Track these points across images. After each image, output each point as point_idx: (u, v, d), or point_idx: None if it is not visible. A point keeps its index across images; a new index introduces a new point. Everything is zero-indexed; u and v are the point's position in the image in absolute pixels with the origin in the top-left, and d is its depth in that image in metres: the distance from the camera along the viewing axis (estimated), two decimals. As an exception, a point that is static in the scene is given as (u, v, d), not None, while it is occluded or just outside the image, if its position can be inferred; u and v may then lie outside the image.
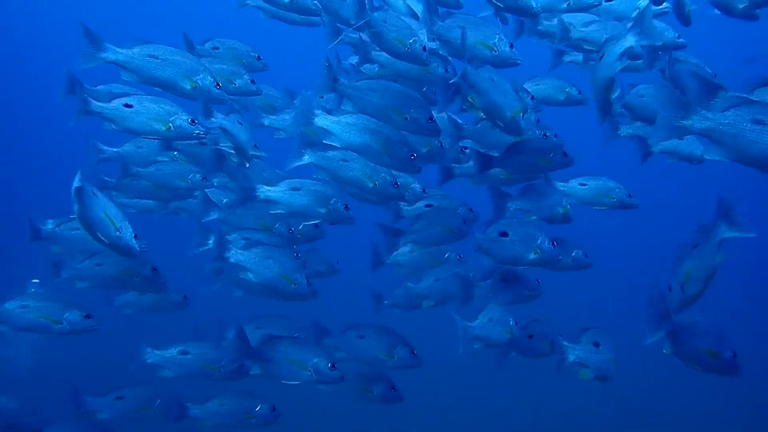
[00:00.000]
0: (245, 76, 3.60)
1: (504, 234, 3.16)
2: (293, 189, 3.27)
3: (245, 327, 3.31)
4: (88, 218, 2.82)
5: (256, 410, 3.42)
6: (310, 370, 3.08)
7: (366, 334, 3.33)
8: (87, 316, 3.27)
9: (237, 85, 3.50)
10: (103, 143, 3.81)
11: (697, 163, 3.70)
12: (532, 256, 3.14)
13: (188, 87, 2.95)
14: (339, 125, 2.92)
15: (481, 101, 2.95)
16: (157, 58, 2.90)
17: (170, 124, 2.99)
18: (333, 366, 3.09)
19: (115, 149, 3.80)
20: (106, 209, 2.83)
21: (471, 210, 3.58)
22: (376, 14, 3.02)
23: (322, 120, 2.92)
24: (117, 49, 2.86)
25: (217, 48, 3.79)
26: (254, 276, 3.14)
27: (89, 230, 2.86)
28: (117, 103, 2.95)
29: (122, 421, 3.47)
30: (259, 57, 3.90)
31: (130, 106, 2.95)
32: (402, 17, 3.06)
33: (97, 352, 5.87)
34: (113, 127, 2.98)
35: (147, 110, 2.96)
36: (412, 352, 3.32)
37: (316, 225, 3.56)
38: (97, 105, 2.93)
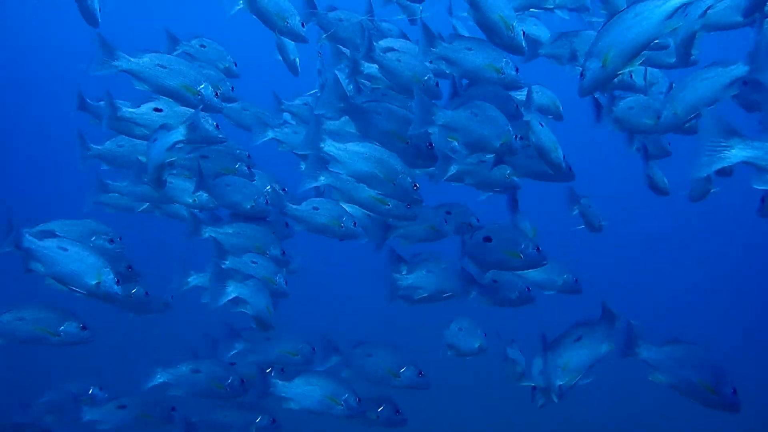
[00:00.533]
0: (227, 83, 3.68)
1: (488, 239, 3.23)
2: (314, 208, 3.44)
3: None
4: (59, 274, 2.88)
5: (257, 422, 3.50)
6: (342, 405, 3.29)
7: (373, 352, 3.42)
8: (83, 327, 3.27)
9: (221, 92, 3.51)
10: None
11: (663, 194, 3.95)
12: (515, 261, 3.22)
13: (191, 96, 3.08)
14: (346, 152, 2.94)
15: (463, 138, 2.99)
16: (165, 68, 3.03)
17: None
18: (359, 400, 3.30)
19: (98, 147, 3.82)
20: (82, 259, 2.87)
21: (477, 220, 3.64)
22: (390, 54, 3.15)
23: (329, 146, 2.94)
24: (129, 59, 2.97)
25: (204, 47, 3.84)
26: (251, 309, 3.33)
27: (62, 284, 2.93)
28: (146, 108, 3.13)
29: (123, 429, 3.51)
30: (235, 63, 3.96)
31: (160, 111, 3.13)
32: (412, 54, 3.19)
33: (93, 356, 5.88)
34: (144, 131, 3.15)
35: (176, 115, 3.13)
36: (420, 373, 3.41)
37: (286, 224, 3.69)
38: (128, 111, 3.13)
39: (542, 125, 3.08)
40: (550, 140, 3.09)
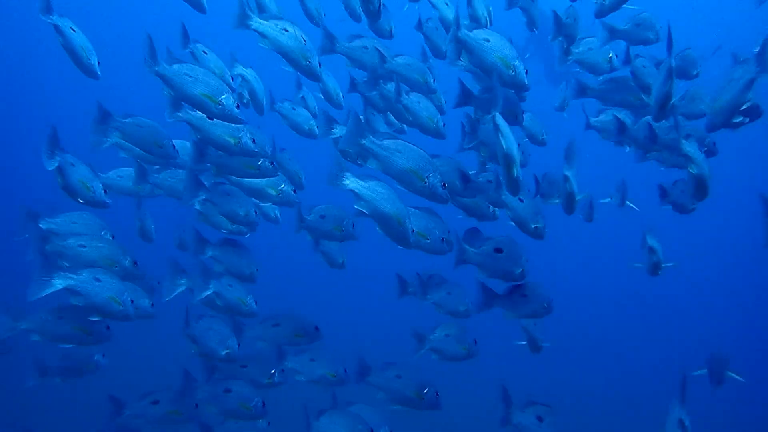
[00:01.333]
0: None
1: (499, 250, 3.49)
2: (322, 216, 3.94)
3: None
4: (95, 305, 3.26)
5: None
6: None
7: (403, 374, 3.76)
8: (107, 327, 3.59)
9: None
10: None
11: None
12: (518, 271, 3.48)
13: (213, 105, 3.25)
14: (368, 191, 2.98)
15: (489, 151, 3.52)
16: (190, 77, 3.21)
17: (239, 140, 3.46)
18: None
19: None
20: (114, 287, 3.28)
21: None
22: (413, 96, 3.64)
23: (352, 183, 2.97)
24: (165, 66, 3.19)
25: (206, 53, 3.94)
26: (199, 348, 3.73)
27: (97, 313, 3.31)
28: (200, 114, 3.37)
29: (156, 425, 3.73)
30: (232, 77, 4.10)
31: (212, 119, 3.37)
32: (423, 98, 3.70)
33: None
34: (198, 135, 3.48)
35: (223, 124, 3.39)
36: (436, 394, 3.75)
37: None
38: (187, 114, 3.40)
39: (521, 200, 3.46)
40: (531, 211, 3.48)
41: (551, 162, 4.10)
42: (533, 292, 3.66)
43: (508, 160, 2.88)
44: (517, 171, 2.92)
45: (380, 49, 3.78)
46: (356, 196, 2.94)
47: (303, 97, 4.64)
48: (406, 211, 2.99)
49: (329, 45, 3.92)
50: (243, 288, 3.82)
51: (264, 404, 3.80)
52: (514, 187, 2.99)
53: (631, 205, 5.01)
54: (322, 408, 3.71)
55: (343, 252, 4.50)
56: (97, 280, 3.24)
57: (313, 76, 3.58)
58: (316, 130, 4.45)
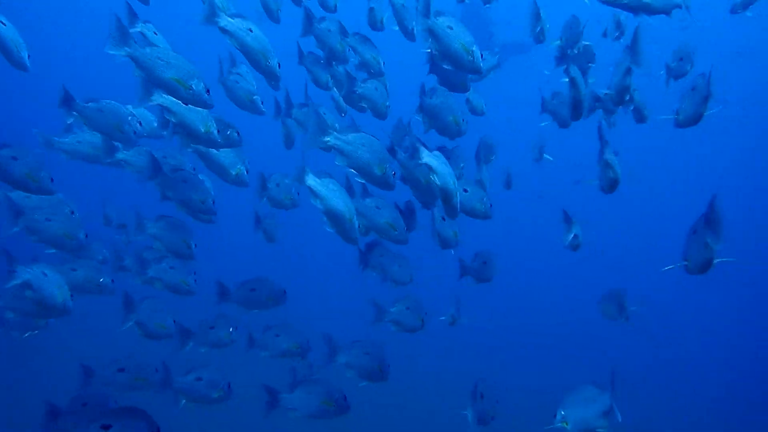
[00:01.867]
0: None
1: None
2: (277, 185, 4.43)
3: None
4: (41, 297, 3.48)
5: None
6: (334, 405, 3.91)
7: (370, 350, 4.04)
8: (71, 296, 3.73)
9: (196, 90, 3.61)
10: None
11: None
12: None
13: (183, 89, 3.31)
14: (326, 189, 3.10)
15: (435, 124, 3.84)
16: (162, 60, 3.26)
17: (209, 128, 3.59)
18: (346, 397, 3.94)
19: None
20: (56, 282, 3.53)
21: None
22: (369, 83, 4.02)
23: (310, 180, 3.09)
24: (137, 48, 3.24)
25: (156, 34, 3.87)
26: (142, 328, 4.04)
27: (38, 305, 3.52)
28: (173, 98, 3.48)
29: (124, 391, 3.96)
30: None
31: (186, 105, 3.49)
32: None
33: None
34: (173, 119, 3.54)
35: (197, 111, 3.54)
36: (388, 366, 4.07)
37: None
38: (159, 96, 3.44)
39: (466, 191, 3.75)
40: (477, 197, 3.79)
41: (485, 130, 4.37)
42: (490, 259, 4.35)
43: (444, 195, 3.16)
44: (455, 200, 3.20)
45: (341, 23, 4.13)
46: (312, 193, 3.06)
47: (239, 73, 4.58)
48: (352, 209, 3.15)
49: (309, 27, 4.21)
50: (184, 268, 4.08)
51: (230, 386, 4.09)
52: (453, 213, 3.28)
53: (548, 157, 5.30)
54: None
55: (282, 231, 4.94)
56: (44, 274, 3.50)
57: (273, 77, 3.69)
58: (261, 106, 4.41)
